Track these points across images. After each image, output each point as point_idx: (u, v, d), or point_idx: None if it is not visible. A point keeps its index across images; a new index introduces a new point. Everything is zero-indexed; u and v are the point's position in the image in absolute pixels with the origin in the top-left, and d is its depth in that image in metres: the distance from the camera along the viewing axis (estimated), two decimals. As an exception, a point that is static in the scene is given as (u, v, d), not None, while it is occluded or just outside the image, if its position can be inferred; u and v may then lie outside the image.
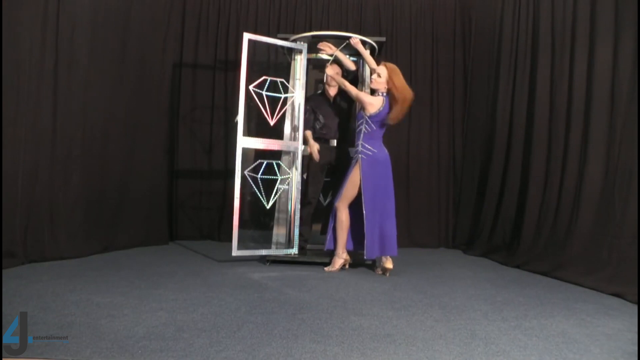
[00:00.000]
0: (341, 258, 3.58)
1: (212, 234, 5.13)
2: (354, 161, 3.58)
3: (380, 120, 3.54)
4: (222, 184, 5.09)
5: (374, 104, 3.54)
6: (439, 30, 5.31)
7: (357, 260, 3.74)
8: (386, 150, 3.60)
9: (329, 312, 2.38)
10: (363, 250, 3.51)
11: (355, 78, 3.92)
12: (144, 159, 4.48)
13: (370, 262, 3.75)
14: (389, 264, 3.46)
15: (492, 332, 2.14)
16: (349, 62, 3.90)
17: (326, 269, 3.56)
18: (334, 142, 3.98)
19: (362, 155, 3.52)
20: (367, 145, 3.53)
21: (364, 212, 3.48)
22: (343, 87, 3.70)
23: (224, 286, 2.90)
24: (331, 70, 3.95)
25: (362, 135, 3.56)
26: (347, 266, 3.63)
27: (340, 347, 1.88)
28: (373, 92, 3.65)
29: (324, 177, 4.06)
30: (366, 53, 3.77)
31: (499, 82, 4.62)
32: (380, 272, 3.53)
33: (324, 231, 4.11)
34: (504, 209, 4.44)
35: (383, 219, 3.52)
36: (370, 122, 3.54)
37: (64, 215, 3.64)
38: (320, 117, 3.99)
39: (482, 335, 2.08)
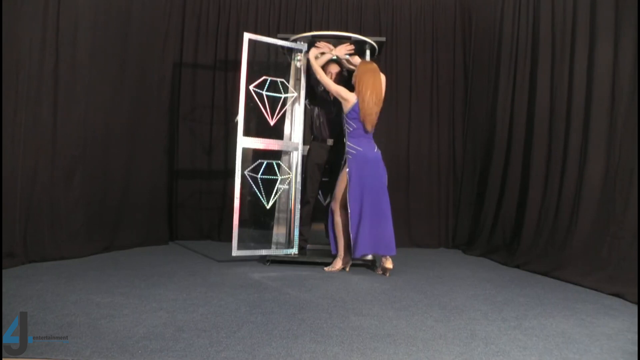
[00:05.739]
0: (341, 259, 3.58)
1: (212, 234, 5.13)
2: (343, 162, 3.59)
3: (357, 119, 3.50)
4: (222, 184, 5.09)
5: (349, 101, 3.51)
6: (439, 30, 5.31)
7: (356, 260, 3.74)
8: (376, 149, 3.57)
9: (329, 312, 2.38)
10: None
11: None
12: (144, 159, 4.49)
13: (370, 262, 3.74)
14: (389, 264, 3.45)
15: (492, 332, 2.14)
16: (353, 59, 3.86)
17: (326, 268, 3.56)
18: (331, 142, 3.98)
19: (348, 155, 3.52)
20: (351, 144, 3.52)
21: (349, 210, 3.46)
22: (319, 78, 3.66)
23: (224, 286, 2.90)
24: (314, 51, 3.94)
25: (347, 134, 3.56)
26: (347, 268, 3.62)
27: (340, 347, 1.88)
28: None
29: (321, 176, 4.06)
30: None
31: (499, 82, 4.62)
32: (380, 272, 3.52)
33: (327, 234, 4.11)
34: (504, 209, 4.44)
35: (377, 219, 3.48)
36: (349, 120, 3.53)
37: (64, 215, 3.64)
38: (318, 116, 3.99)
39: (482, 335, 2.08)
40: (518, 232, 4.18)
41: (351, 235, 3.46)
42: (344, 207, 3.55)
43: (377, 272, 3.56)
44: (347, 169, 3.50)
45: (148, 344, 1.83)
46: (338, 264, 3.57)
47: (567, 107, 3.82)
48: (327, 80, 3.65)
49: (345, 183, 3.51)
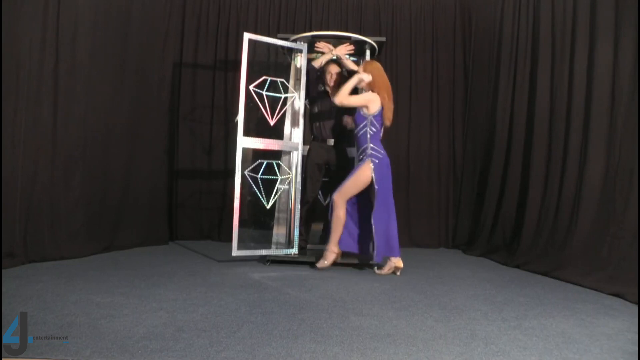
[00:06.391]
0: (333, 252, 3.53)
1: (212, 234, 5.13)
2: (361, 162, 3.49)
3: (381, 118, 3.52)
4: (222, 184, 5.09)
5: (375, 102, 3.49)
6: (439, 30, 5.31)
7: (359, 261, 3.74)
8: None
9: (329, 312, 2.38)
10: (369, 252, 3.53)
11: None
12: (145, 159, 4.49)
13: (376, 263, 3.74)
14: (400, 263, 3.48)
15: (492, 332, 2.14)
16: (350, 63, 3.90)
17: (318, 265, 3.52)
18: (332, 142, 3.98)
19: (374, 159, 3.45)
20: (376, 148, 3.48)
21: (374, 216, 3.43)
22: (347, 102, 3.54)
23: (224, 286, 2.90)
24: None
25: (368, 137, 3.49)
26: (337, 259, 3.55)
27: (340, 347, 1.88)
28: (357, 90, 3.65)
29: (322, 176, 4.06)
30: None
31: (499, 82, 4.62)
32: (389, 272, 3.50)
33: (325, 230, 4.10)
34: (504, 209, 4.44)
35: (389, 221, 3.50)
36: (374, 121, 3.49)
37: (64, 215, 3.64)
38: (318, 116, 3.99)
39: (482, 335, 2.08)
40: (518, 232, 4.18)
41: (375, 239, 3.43)
42: (358, 209, 3.55)
43: (380, 272, 3.53)
44: (374, 175, 3.41)
45: (148, 344, 1.83)
46: (330, 258, 3.52)
47: (567, 107, 3.82)
48: (354, 99, 3.57)
49: (360, 183, 3.45)
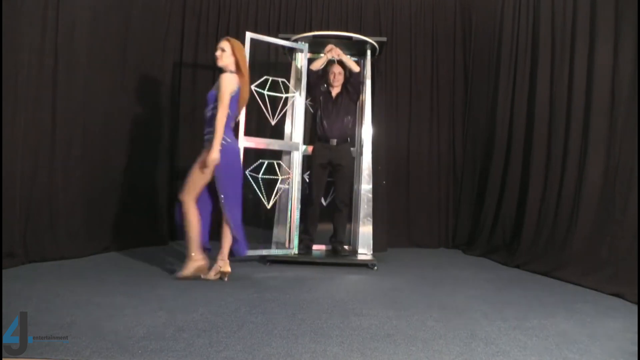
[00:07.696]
0: (196, 261, 3.06)
1: (212, 234, 5.11)
2: (204, 148, 3.03)
3: (236, 101, 3.07)
4: (222, 184, 5.08)
5: (233, 82, 3.02)
6: (439, 30, 5.31)
7: (357, 261, 3.73)
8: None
9: (329, 312, 2.38)
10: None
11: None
12: (144, 159, 4.49)
13: (369, 263, 3.73)
14: (228, 267, 3.14)
15: (492, 332, 2.14)
16: (352, 64, 3.92)
17: (177, 275, 3.04)
18: (334, 142, 3.97)
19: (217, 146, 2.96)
20: (226, 135, 3.01)
21: (226, 206, 3.04)
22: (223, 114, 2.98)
23: (224, 286, 2.91)
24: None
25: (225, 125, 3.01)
26: (204, 271, 3.09)
27: (340, 347, 1.88)
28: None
29: (326, 177, 4.05)
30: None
31: (499, 82, 4.62)
32: (216, 277, 3.10)
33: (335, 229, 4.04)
34: (504, 209, 4.44)
35: (239, 214, 3.16)
36: (232, 106, 3.03)
37: (64, 215, 3.64)
38: (322, 117, 3.99)
39: (482, 335, 2.08)
40: (518, 232, 4.18)
41: (237, 233, 3.11)
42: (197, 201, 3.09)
43: (207, 277, 3.10)
44: (221, 160, 2.95)
45: (148, 344, 1.83)
46: (191, 267, 3.04)
47: (567, 107, 3.82)
48: (225, 100, 2.98)
49: (209, 171, 2.99)
